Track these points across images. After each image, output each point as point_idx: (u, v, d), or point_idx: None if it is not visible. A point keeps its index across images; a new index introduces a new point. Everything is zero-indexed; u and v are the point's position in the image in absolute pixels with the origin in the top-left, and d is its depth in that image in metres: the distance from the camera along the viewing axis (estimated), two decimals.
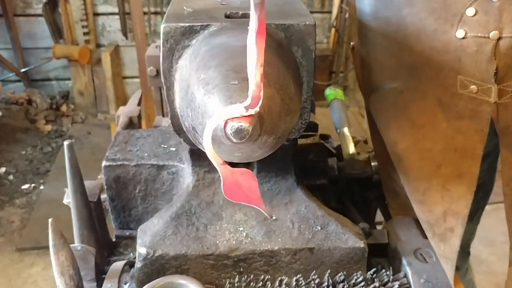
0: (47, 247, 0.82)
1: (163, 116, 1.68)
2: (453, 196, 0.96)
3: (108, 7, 4.35)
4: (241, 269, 0.92)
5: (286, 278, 0.92)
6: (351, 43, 1.22)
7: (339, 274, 0.92)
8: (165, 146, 1.04)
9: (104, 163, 1.00)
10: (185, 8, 0.85)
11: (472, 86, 0.91)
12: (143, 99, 1.77)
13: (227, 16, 0.82)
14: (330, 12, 4.56)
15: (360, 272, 0.93)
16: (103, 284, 0.90)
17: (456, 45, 0.91)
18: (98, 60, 4.35)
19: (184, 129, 0.77)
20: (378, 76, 1.06)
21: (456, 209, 0.95)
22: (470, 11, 0.88)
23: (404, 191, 1.06)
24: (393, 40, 0.99)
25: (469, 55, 0.91)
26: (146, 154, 1.02)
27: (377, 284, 0.92)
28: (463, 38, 0.90)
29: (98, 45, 4.46)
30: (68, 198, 1.01)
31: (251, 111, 0.58)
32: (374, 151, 1.26)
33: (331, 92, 1.70)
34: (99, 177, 1.14)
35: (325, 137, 1.47)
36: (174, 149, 1.03)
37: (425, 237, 1.04)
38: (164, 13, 0.85)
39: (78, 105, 4.49)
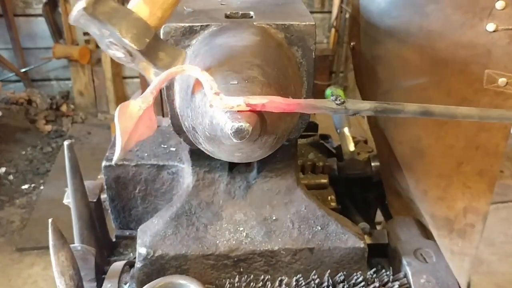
0: (47, 247, 0.82)
1: (163, 116, 1.68)
2: (473, 193, 0.96)
3: None
4: (241, 269, 0.92)
5: (286, 278, 0.92)
6: (351, 44, 1.21)
7: (339, 274, 0.92)
8: (165, 146, 1.04)
9: (104, 163, 1.00)
10: (185, 8, 0.85)
11: (501, 79, 0.91)
12: None
13: (227, 16, 0.82)
14: (330, 12, 4.56)
15: (360, 272, 0.93)
16: (103, 284, 0.90)
17: (486, 39, 0.92)
18: (98, 60, 4.35)
19: (184, 129, 0.77)
20: (397, 74, 1.05)
21: (477, 206, 0.96)
22: (500, 4, 0.89)
23: (405, 192, 1.06)
24: (416, 38, 0.98)
25: (501, 48, 0.91)
26: (146, 154, 1.02)
27: (377, 284, 0.91)
28: (494, 31, 0.91)
29: (98, 45, 4.45)
30: (68, 198, 1.01)
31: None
32: (376, 150, 1.26)
33: (331, 92, 1.70)
34: (99, 177, 1.14)
35: (325, 137, 1.47)
36: (174, 149, 1.03)
37: (425, 237, 1.04)
38: None
39: (78, 105, 4.49)
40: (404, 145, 1.04)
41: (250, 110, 0.60)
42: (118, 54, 0.71)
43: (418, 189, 1.02)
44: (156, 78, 0.66)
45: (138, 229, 0.93)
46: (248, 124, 0.58)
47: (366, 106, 0.65)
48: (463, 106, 0.95)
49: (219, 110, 0.61)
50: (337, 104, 0.63)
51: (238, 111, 0.59)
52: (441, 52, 0.96)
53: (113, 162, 0.73)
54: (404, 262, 0.94)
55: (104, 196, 1.08)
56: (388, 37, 1.05)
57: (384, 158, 1.18)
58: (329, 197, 1.16)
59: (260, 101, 0.60)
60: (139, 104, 0.66)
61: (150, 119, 0.68)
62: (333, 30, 4.54)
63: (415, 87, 1.03)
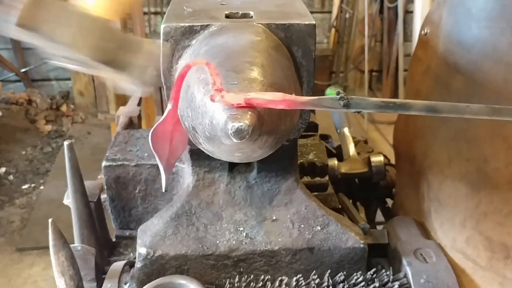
0: (47, 247, 0.82)
1: None
2: None
3: None
4: (241, 269, 0.92)
5: (286, 278, 0.92)
6: (425, 30, 1.10)
7: (339, 274, 0.92)
8: None
9: (104, 163, 1.00)
10: (185, 8, 0.85)
11: None
12: (143, 99, 1.78)
13: (227, 16, 0.82)
14: (330, 12, 4.57)
15: (360, 272, 0.93)
16: (103, 284, 0.90)
17: None
18: None
19: (184, 129, 0.77)
20: (475, 88, 0.98)
21: None
22: None
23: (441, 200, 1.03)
24: (503, 55, 0.91)
25: None
26: (146, 154, 1.02)
27: (377, 284, 0.92)
28: None
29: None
30: (68, 198, 1.01)
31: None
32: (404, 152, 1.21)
33: (331, 92, 1.70)
34: (99, 177, 1.14)
35: (325, 137, 1.47)
36: None
37: (425, 237, 1.04)
38: (164, 13, 0.85)
39: (78, 105, 4.49)
40: (471, 164, 0.98)
41: (250, 106, 0.60)
42: (72, 67, 0.52)
43: (479, 210, 0.98)
44: (174, 84, 0.59)
45: (138, 229, 0.93)
46: (248, 124, 0.58)
47: (372, 103, 0.63)
48: None
49: (219, 108, 0.61)
50: (340, 103, 0.61)
51: (238, 107, 0.59)
52: None
53: (163, 190, 0.74)
54: (404, 262, 0.94)
55: (104, 196, 1.08)
56: (474, 46, 0.97)
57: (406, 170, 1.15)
58: (329, 197, 1.16)
59: (261, 99, 0.59)
60: (169, 120, 0.60)
61: (181, 132, 0.65)
62: (333, 30, 4.54)
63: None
